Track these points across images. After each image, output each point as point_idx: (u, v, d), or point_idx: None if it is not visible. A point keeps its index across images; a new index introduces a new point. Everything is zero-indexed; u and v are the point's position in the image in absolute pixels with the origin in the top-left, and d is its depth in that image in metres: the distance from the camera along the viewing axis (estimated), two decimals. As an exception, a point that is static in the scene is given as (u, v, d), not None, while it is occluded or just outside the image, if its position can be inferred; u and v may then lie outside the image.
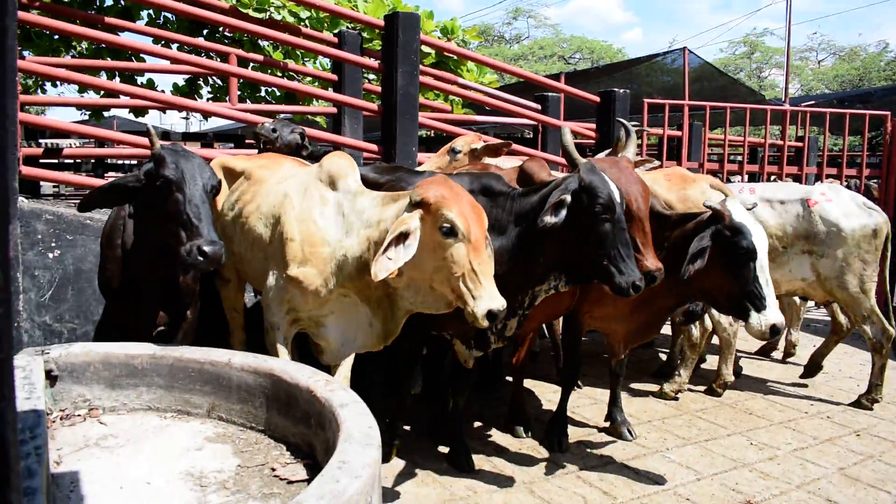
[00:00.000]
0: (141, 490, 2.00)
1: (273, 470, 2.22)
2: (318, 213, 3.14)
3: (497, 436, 4.16)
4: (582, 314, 4.07)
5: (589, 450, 3.99)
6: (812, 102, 14.38)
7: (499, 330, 3.41)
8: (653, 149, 8.58)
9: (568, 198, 3.10)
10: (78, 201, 2.95)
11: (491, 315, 2.76)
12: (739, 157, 9.84)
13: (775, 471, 3.75)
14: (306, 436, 2.35)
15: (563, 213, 3.08)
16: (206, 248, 2.70)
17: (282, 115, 7.02)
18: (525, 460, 3.81)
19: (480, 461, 3.76)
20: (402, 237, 2.78)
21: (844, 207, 4.84)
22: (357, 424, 2.03)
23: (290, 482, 2.14)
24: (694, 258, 3.39)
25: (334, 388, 2.32)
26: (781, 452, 4.00)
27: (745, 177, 7.71)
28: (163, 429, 2.47)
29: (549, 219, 3.06)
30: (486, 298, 2.77)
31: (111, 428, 2.44)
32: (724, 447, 4.06)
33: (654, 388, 5.13)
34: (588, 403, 4.83)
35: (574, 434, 4.20)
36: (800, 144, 7.93)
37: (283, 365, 2.53)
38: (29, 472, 1.55)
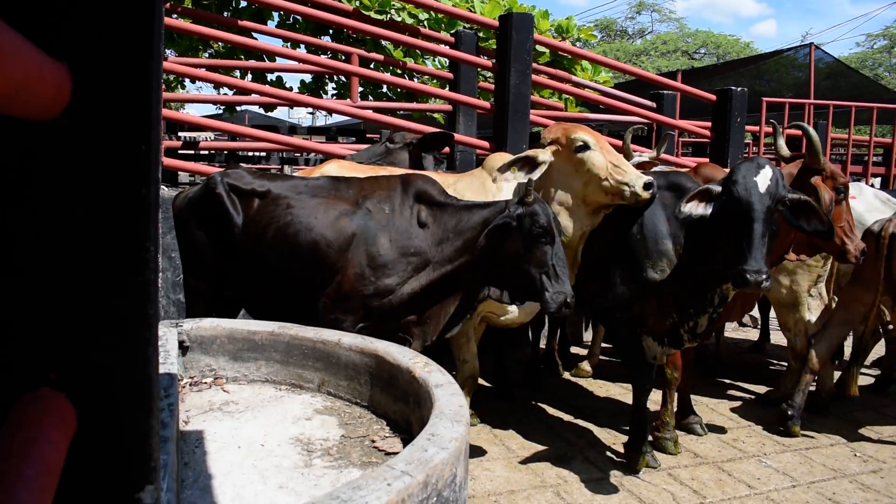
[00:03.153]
0: (256, 450, 2.24)
1: (373, 442, 2.42)
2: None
3: (594, 430, 4.23)
4: None
5: (684, 448, 4.00)
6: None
7: (691, 328, 3.50)
8: (772, 149, 8.31)
9: (716, 188, 3.22)
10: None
11: (648, 185, 3.32)
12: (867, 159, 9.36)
13: (877, 483, 3.65)
14: (405, 413, 2.54)
15: (704, 205, 3.22)
16: (570, 300, 3.05)
17: (399, 112, 7.29)
18: (618, 455, 3.88)
19: (573, 452, 3.86)
20: (529, 161, 3.40)
21: (867, 203, 4.94)
22: (449, 403, 2.19)
23: (388, 453, 2.32)
24: None
25: (432, 370, 2.49)
26: (887, 466, 3.88)
27: (871, 178, 7.37)
28: (278, 399, 2.72)
29: (686, 208, 3.21)
30: (636, 177, 3.35)
31: (233, 395, 2.71)
32: (826, 456, 3.97)
33: (759, 389, 5.07)
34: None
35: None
36: (934, 146, 7.50)
37: (387, 346, 2.72)
38: (163, 423, 1.80)
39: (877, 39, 39.71)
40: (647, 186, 3.32)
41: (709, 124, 6.99)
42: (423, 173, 3.67)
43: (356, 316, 3.32)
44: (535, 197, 3.10)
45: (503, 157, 3.76)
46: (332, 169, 4.00)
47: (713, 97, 6.86)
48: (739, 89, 6.70)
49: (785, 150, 4.15)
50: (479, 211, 3.27)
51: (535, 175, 3.39)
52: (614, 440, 4.08)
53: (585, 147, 3.38)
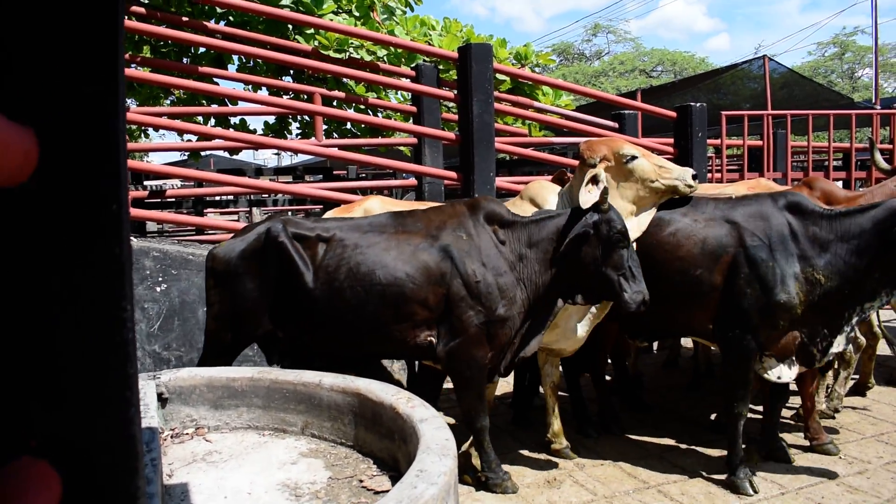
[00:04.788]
0: (242, 499, 2.21)
1: (361, 482, 2.39)
2: None
3: (581, 451, 4.21)
4: None
5: (672, 464, 4.01)
6: (907, 103, 13.82)
7: (823, 347, 3.58)
8: (734, 160, 8.47)
9: None
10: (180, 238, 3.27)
11: (695, 176, 3.76)
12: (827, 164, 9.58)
13: (864, 485, 3.68)
14: (391, 450, 2.52)
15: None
16: (647, 298, 3.37)
17: (365, 148, 7.31)
18: (607, 475, 3.87)
19: (562, 476, 3.85)
20: (594, 179, 3.60)
21: None
22: (435, 437, 2.18)
23: (377, 492, 2.30)
24: None
25: (415, 405, 2.48)
26: (872, 466, 3.91)
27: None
28: (261, 445, 2.69)
29: None
30: (679, 173, 3.74)
31: (216, 445, 2.67)
32: (812, 461, 3.99)
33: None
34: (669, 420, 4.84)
35: (656, 449, 4.23)
36: (889, 147, 7.68)
37: (368, 384, 2.71)
38: (146, 479, 1.77)
39: (827, 47, 40.80)
40: (695, 177, 3.75)
41: (671, 141, 7.10)
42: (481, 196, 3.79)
43: (483, 352, 3.35)
44: (609, 204, 3.38)
45: (542, 186, 4.06)
46: (376, 204, 4.09)
47: (673, 114, 6.98)
48: (698, 105, 6.83)
49: (884, 164, 4.32)
50: (548, 222, 3.44)
51: (603, 184, 3.67)
52: (601, 461, 4.07)
53: (633, 157, 3.72)
